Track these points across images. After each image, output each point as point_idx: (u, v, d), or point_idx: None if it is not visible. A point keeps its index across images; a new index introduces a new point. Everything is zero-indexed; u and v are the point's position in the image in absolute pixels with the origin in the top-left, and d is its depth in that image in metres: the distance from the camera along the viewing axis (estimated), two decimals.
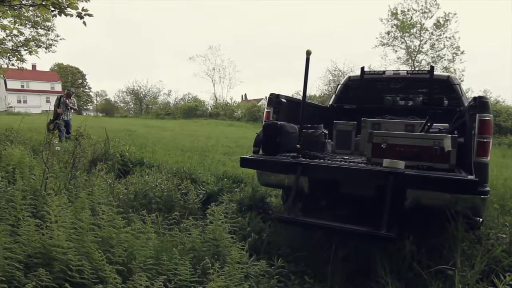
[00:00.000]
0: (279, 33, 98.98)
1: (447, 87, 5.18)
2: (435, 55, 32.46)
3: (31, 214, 3.06)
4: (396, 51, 33.84)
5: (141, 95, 49.20)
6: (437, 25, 31.87)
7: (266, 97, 4.97)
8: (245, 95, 62.11)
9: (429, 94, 5.36)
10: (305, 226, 3.51)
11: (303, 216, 3.52)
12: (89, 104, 66.15)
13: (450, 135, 3.18)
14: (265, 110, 4.22)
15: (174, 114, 36.51)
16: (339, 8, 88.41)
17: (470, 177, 2.84)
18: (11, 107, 46.67)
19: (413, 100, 5.82)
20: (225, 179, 5.67)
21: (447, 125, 3.97)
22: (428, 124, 3.83)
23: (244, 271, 2.71)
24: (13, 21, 10.47)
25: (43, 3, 4.77)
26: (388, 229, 2.71)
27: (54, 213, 2.73)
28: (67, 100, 10.68)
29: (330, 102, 5.95)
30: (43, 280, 2.18)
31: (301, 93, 3.74)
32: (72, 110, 11.02)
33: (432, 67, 5.34)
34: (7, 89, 54.58)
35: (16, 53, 12.87)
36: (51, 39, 15.03)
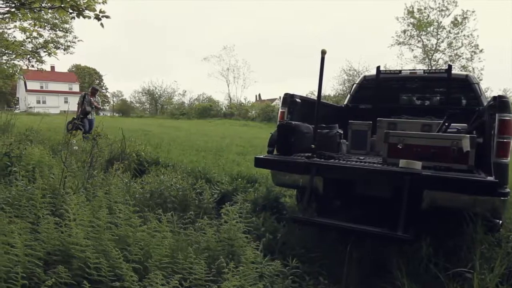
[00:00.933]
0: (293, 33, 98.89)
1: (466, 86, 5.08)
2: (453, 54, 31.95)
3: (51, 212, 3.13)
4: (412, 50, 33.48)
5: (156, 95, 49.70)
6: (455, 23, 31.32)
7: (280, 97, 4.97)
8: (259, 95, 62.16)
9: (446, 94, 5.27)
10: (319, 227, 3.49)
11: (318, 216, 3.51)
12: (105, 105, 67.21)
13: (468, 135, 3.12)
14: (280, 110, 4.22)
15: (188, 114, 36.80)
16: (354, 7, 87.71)
17: (489, 178, 2.78)
18: (30, 107, 47.76)
19: (430, 100, 5.72)
20: (240, 179, 5.68)
21: (465, 125, 3.90)
22: (446, 124, 3.77)
23: (259, 271, 2.71)
24: (32, 23, 10.71)
25: (62, 5, 4.86)
26: (405, 230, 2.68)
27: (73, 212, 2.79)
28: (91, 98, 10.22)
29: (345, 102, 5.90)
30: (62, 277, 2.22)
31: (316, 93, 3.72)
32: (96, 109, 10.48)
33: (449, 66, 5.25)
34: (27, 90, 55.87)
35: (36, 54, 13.18)
36: (69, 41, 15.37)
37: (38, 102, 56.35)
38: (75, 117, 9.48)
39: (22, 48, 11.67)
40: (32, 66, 14.07)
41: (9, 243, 2.34)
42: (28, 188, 3.54)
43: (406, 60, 33.75)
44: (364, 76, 5.95)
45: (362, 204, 3.68)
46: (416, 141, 3.25)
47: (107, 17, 5.21)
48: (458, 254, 3.12)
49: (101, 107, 11.32)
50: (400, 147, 3.27)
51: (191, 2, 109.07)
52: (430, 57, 32.58)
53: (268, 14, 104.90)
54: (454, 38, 31.67)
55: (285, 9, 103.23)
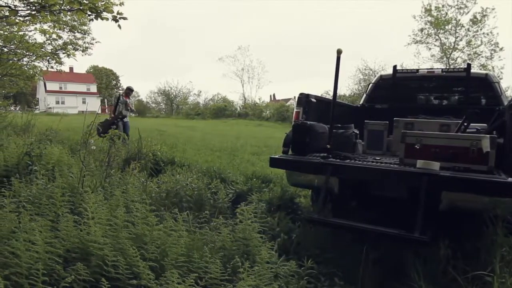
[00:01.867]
0: (308, 33, 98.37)
1: (485, 85, 4.97)
2: (472, 52, 31.21)
3: (70, 210, 3.19)
4: (430, 48, 32.84)
5: (172, 95, 50.16)
6: (474, 21, 30.59)
7: (294, 97, 4.96)
8: (274, 95, 62.18)
9: (465, 93, 5.16)
10: (335, 227, 3.47)
11: (333, 217, 3.49)
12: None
13: (488, 135, 3.05)
14: (295, 110, 4.20)
15: (203, 114, 37.01)
16: (370, 6, 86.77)
17: (510, 179, 2.72)
18: (50, 108, 48.83)
19: (448, 99, 5.62)
20: (254, 179, 5.69)
21: (485, 125, 3.81)
22: (465, 124, 3.69)
23: (274, 271, 2.71)
24: (52, 25, 10.93)
25: (81, 7, 4.94)
26: (422, 232, 2.64)
27: (91, 210, 2.84)
28: (127, 100, 9.55)
29: (361, 102, 5.85)
30: (81, 274, 2.27)
31: (331, 93, 3.70)
32: (130, 112, 9.80)
33: (469, 65, 5.14)
34: (46, 91, 57.08)
35: (55, 56, 13.43)
36: (87, 42, 15.58)
37: (57, 102, 57.44)
38: (108, 118, 9.10)
39: (42, 50, 11.91)
40: (52, 67, 14.34)
41: (30, 240, 2.39)
42: (48, 187, 3.62)
43: (423, 59, 33.17)
44: (381, 76, 5.88)
45: (378, 205, 3.64)
46: (434, 142, 3.19)
47: (125, 18, 5.27)
48: (478, 257, 3.05)
49: (134, 109, 10.78)
50: (418, 147, 3.22)
51: (206, 2, 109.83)
52: (448, 55, 31.95)
53: (283, 13, 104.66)
54: (473, 36, 30.97)
55: (301, 9, 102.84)
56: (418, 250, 3.15)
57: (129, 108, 9.56)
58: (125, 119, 9.33)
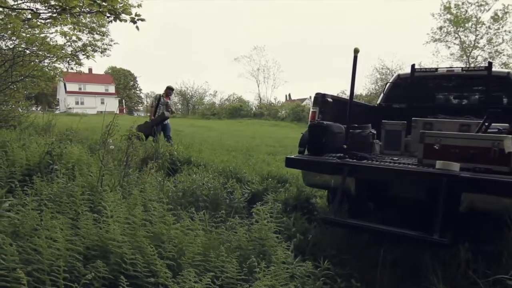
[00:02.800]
0: (324, 32, 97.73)
1: (507, 84, 4.86)
2: (493, 51, 30.47)
3: (89, 208, 3.25)
4: (449, 47, 32.20)
5: (188, 96, 50.54)
6: (495, 19, 29.83)
7: (310, 96, 4.94)
8: (289, 95, 62.20)
9: (486, 92, 5.05)
10: (352, 228, 3.44)
11: (350, 218, 3.46)
12: (139, 105, 69.24)
13: (511, 135, 2.97)
14: (311, 110, 4.19)
15: (219, 114, 37.18)
16: (387, 4, 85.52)
17: None
18: (70, 108, 49.85)
19: (468, 99, 5.51)
20: (270, 179, 5.69)
21: (507, 125, 3.72)
22: (486, 123, 3.61)
23: (290, 271, 2.70)
24: (72, 27, 11.17)
25: (100, 10, 5.06)
26: (441, 234, 2.59)
27: (110, 208, 2.88)
28: (168, 101, 9.31)
29: (378, 101, 5.78)
30: (101, 271, 2.31)
31: (347, 92, 3.67)
32: (170, 113, 9.36)
33: (490, 63, 5.02)
34: (66, 92, 58.31)
35: (75, 57, 13.71)
36: (106, 44, 15.84)
37: (77, 103, 58.59)
38: (148, 120, 8.91)
39: (63, 51, 12.17)
40: (72, 68, 14.63)
41: (51, 238, 2.45)
42: (68, 186, 3.68)
43: (442, 58, 32.68)
44: (398, 75, 5.80)
45: (396, 206, 3.59)
46: (454, 142, 3.13)
47: (142, 20, 5.36)
48: (499, 260, 2.98)
49: (174, 111, 10.05)
50: (437, 147, 3.17)
51: (222, 3, 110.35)
52: (468, 54, 31.26)
53: (299, 13, 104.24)
54: (494, 34, 30.21)
55: (317, 8, 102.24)
56: (437, 252, 3.10)
57: (170, 109, 9.30)
58: (166, 121, 9.11)
